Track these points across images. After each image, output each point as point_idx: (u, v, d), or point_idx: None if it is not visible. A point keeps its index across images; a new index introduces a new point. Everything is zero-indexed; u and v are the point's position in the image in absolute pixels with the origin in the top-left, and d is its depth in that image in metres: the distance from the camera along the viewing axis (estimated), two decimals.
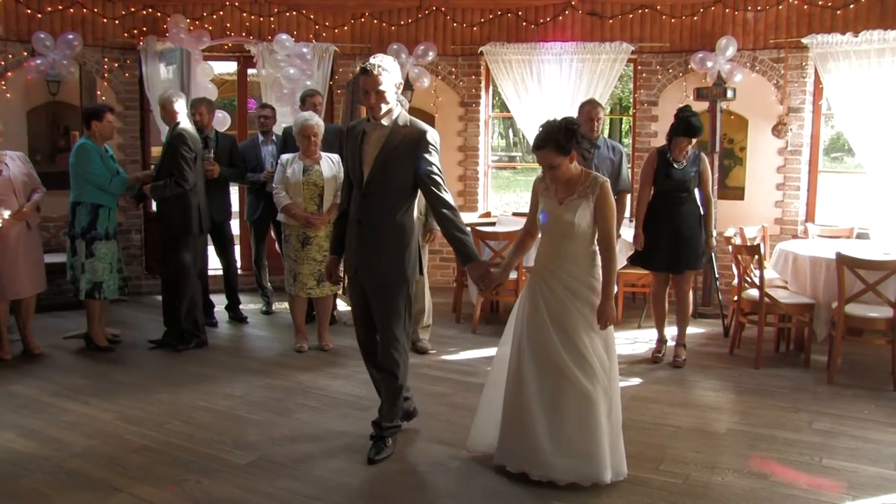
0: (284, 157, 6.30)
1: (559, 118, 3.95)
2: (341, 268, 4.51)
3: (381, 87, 3.98)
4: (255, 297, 7.96)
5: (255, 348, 6.67)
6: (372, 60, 4.02)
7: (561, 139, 3.88)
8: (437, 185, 4.06)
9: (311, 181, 6.10)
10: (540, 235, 4.17)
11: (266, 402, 5.22)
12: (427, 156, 4.05)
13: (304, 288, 6.20)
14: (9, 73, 7.77)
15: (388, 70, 4.00)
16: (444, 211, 4.04)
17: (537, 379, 3.94)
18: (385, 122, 4.08)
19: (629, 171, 7.66)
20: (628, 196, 6.63)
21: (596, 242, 4.02)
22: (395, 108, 4.10)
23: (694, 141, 5.94)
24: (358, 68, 4.12)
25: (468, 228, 4.27)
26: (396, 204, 4.11)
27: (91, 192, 6.16)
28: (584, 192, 3.96)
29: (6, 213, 5.93)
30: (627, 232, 7.03)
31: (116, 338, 6.63)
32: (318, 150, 6.19)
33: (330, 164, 6.20)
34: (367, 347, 4.40)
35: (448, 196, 4.09)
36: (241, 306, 7.53)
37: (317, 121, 6.20)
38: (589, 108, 6.38)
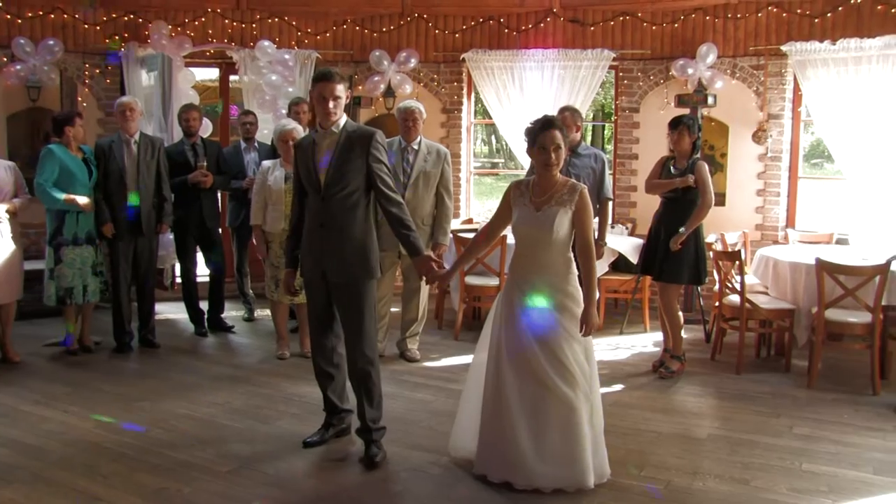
0: (266, 164, 6.27)
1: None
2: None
3: (338, 94, 4.16)
4: (237, 304, 7.92)
5: (237, 355, 6.63)
6: (327, 69, 4.24)
7: (563, 127, 4.03)
8: (386, 183, 4.22)
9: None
10: (514, 244, 4.14)
11: (248, 410, 5.19)
12: (377, 153, 4.20)
13: (286, 294, 6.15)
14: None
15: (344, 77, 4.22)
16: (392, 209, 4.21)
17: (517, 388, 3.93)
18: (334, 129, 4.21)
19: (611, 178, 7.67)
20: (610, 203, 6.62)
21: (572, 250, 4.02)
22: (342, 116, 4.26)
23: (686, 138, 5.85)
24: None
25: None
26: (356, 203, 4.23)
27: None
28: (562, 199, 3.96)
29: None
30: (612, 240, 7.04)
31: (98, 344, 6.59)
32: None
33: None
34: (324, 348, 4.48)
35: (396, 195, 4.25)
36: (205, 316, 7.39)
37: (294, 126, 6.17)
38: (564, 115, 6.16)
